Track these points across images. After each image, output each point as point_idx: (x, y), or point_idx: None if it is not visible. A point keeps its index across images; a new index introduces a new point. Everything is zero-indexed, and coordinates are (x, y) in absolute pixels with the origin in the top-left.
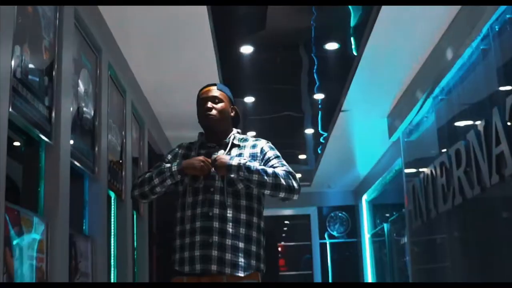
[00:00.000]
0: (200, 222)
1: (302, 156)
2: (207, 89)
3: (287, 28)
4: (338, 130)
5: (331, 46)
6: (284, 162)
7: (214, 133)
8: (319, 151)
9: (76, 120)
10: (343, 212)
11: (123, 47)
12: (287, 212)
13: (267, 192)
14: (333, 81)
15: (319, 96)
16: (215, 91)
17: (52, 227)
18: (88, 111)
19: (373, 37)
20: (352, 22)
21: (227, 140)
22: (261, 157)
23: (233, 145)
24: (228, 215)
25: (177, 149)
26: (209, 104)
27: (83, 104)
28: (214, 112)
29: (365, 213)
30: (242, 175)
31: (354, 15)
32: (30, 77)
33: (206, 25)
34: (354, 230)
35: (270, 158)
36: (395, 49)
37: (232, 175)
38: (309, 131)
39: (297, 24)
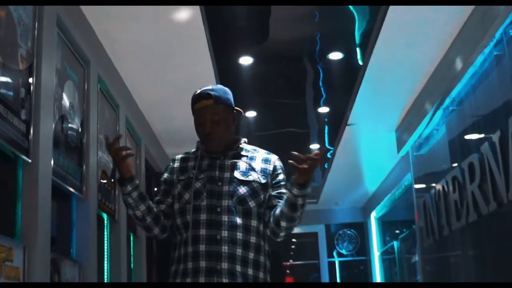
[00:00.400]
0: (205, 245)
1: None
2: (202, 104)
3: (288, 38)
4: (345, 145)
5: (335, 56)
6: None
7: (216, 153)
8: (326, 167)
9: (59, 136)
10: (352, 230)
11: (115, 59)
12: (296, 229)
13: (283, 221)
14: (338, 94)
15: (324, 110)
16: (213, 108)
17: (30, 252)
18: (75, 126)
19: (379, 46)
20: (357, 31)
21: (234, 150)
22: (272, 176)
23: (241, 156)
24: (238, 237)
25: (171, 164)
26: (208, 127)
27: (68, 119)
28: (215, 134)
29: (374, 230)
30: (308, 193)
31: (358, 23)
32: (1, 88)
33: (201, 34)
34: (363, 248)
35: (280, 184)
36: (402, 58)
37: (308, 190)
38: (315, 146)
39: (300, 34)
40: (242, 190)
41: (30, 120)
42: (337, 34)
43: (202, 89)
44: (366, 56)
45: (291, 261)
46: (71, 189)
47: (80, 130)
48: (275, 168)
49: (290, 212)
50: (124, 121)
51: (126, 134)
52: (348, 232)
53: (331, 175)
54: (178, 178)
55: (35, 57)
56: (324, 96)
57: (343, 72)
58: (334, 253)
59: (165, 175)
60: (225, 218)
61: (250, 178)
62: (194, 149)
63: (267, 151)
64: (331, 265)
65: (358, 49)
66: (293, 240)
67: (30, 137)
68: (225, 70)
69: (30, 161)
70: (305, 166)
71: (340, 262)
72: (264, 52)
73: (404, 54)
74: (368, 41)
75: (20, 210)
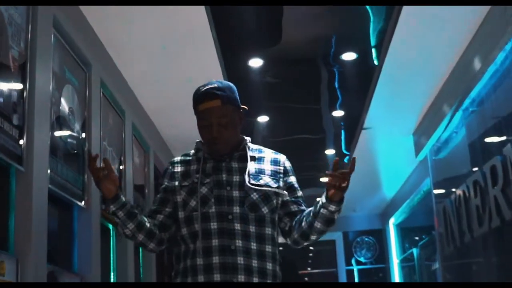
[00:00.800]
0: (218, 257)
1: (324, 179)
2: (208, 105)
3: (300, 38)
4: (361, 150)
5: (349, 56)
6: (303, 196)
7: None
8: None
9: (57, 143)
10: (370, 237)
11: (119, 63)
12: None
13: (314, 235)
14: (353, 96)
15: (339, 113)
16: (220, 110)
17: (23, 265)
18: (75, 132)
19: (394, 46)
20: (371, 30)
21: (240, 151)
22: (284, 178)
23: (247, 157)
24: (252, 247)
25: (170, 168)
26: (215, 131)
27: (67, 125)
28: (222, 138)
29: (393, 237)
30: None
31: (373, 22)
32: None
33: (208, 35)
34: (382, 255)
35: (295, 188)
36: (418, 58)
37: (339, 208)
38: (330, 151)
39: (312, 34)
40: (254, 195)
41: (24, 125)
42: (351, 33)
43: (206, 87)
44: (381, 57)
45: (309, 269)
46: (71, 199)
47: (81, 136)
48: (286, 170)
49: (324, 227)
50: (131, 127)
51: (133, 141)
52: (366, 239)
53: None
54: (181, 184)
55: (29, 59)
56: (340, 98)
57: (358, 74)
58: (353, 261)
59: (166, 182)
60: (237, 226)
61: (262, 182)
62: (193, 150)
63: (273, 151)
64: (350, 273)
65: (372, 49)
66: (310, 248)
67: (23, 144)
68: (234, 72)
69: (23, 169)
70: (345, 184)
71: (358, 270)
72: (275, 54)
73: (420, 54)
74: (383, 41)
75: (13, 222)
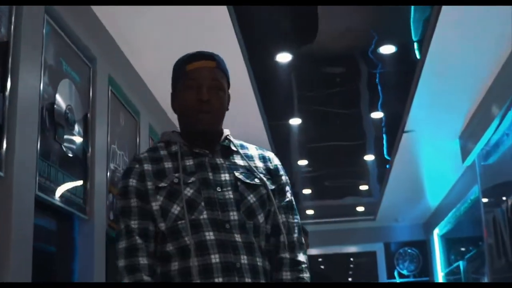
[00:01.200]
0: (222, 278)
1: (363, 187)
2: (201, 64)
3: (333, 30)
4: (402, 155)
5: (388, 49)
6: (294, 204)
7: (204, 136)
8: (383, 180)
9: (51, 145)
10: (413, 248)
11: (132, 58)
12: (352, 249)
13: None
14: (393, 95)
15: (377, 115)
16: (214, 71)
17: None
18: (75, 134)
19: (437, 37)
20: (411, 20)
21: (222, 143)
22: (275, 179)
23: (232, 151)
24: (258, 264)
25: (136, 166)
26: (206, 93)
27: (63, 125)
28: (213, 105)
29: (437, 249)
30: None
31: (413, 11)
32: None
33: (229, 27)
34: (425, 267)
35: (286, 191)
36: (464, 52)
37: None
38: (369, 157)
39: (346, 25)
40: (251, 197)
41: (3, 124)
42: (389, 24)
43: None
44: (423, 50)
45: (350, 279)
46: (69, 208)
47: (83, 139)
48: (277, 169)
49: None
50: (147, 130)
51: (150, 144)
52: (409, 250)
53: (389, 188)
54: (156, 185)
55: (11, 48)
56: (377, 98)
57: (398, 70)
58: (395, 274)
59: (133, 182)
60: (238, 237)
61: (257, 181)
62: (161, 143)
63: (256, 146)
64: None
65: (413, 42)
66: (351, 259)
67: (3, 145)
68: (260, 68)
69: (2, 174)
70: None
71: (401, 283)
72: (305, 47)
73: (467, 47)
74: (425, 32)
75: None
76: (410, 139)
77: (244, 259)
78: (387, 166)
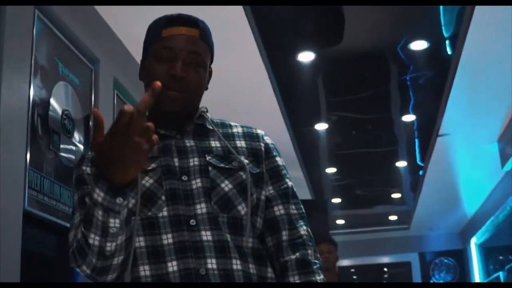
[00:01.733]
0: None
1: (396, 195)
2: (180, 31)
3: (359, 26)
4: (437, 160)
5: (419, 45)
6: (296, 192)
7: (172, 117)
8: (417, 187)
9: (44, 154)
10: (449, 258)
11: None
12: (385, 259)
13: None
14: (426, 96)
15: (409, 118)
16: (194, 42)
17: None
18: (73, 143)
19: (473, 31)
20: (443, 12)
21: (195, 123)
22: (266, 160)
23: (207, 130)
24: (234, 268)
25: (90, 153)
26: (179, 71)
27: (59, 132)
28: (186, 90)
29: (475, 259)
30: None
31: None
32: None
33: (245, 24)
34: (463, 278)
35: (282, 174)
36: (503, 46)
37: None
38: (402, 163)
39: (374, 20)
40: (225, 184)
41: None
42: (420, 17)
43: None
44: (458, 45)
45: None
46: (65, 223)
47: (84, 147)
48: (268, 149)
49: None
50: None
51: None
52: (445, 260)
53: (423, 196)
54: None
55: None
56: (412, 100)
57: (430, 68)
58: None
59: (86, 170)
60: (206, 235)
61: (234, 165)
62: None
63: (241, 125)
64: None
65: (446, 36)
66: (384, 269)
67: None
68: (281, 68)
69: None
70: None
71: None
72: (329, 46)
73: (505, 41)
74: (459, 26)
75: None
76: (445, 143)
77: (212, 263)
78: (421, 172)
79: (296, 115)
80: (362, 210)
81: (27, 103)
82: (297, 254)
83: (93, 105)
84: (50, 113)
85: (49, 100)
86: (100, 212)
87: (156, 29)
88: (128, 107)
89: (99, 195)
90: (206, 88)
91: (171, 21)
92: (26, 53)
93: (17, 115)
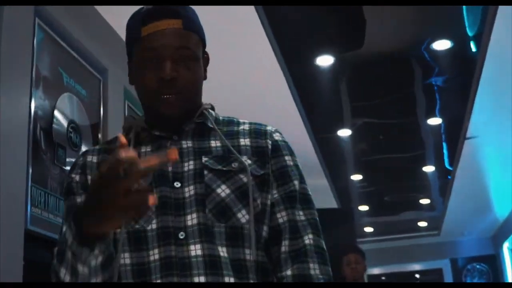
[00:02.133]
0: None
1: (424, 201)
2: (161, 25)
3: (380, 27)
4: (466, 164)
5: (442, 45)
6: (308, 195)
7: (168, 120)
8: (446, 192)
9: (48, 168)
10: (482, 264)
11: None
12: (416, 266)
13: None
14: (451, 98)
15: (435, 121)
16: (179, 35)
17: None
18: None
19: (498, 27)
20: (466, 9)
21: (195, 122)
22: (272, 160)
23: (209, 129)
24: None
25: (81, 159)
26: (169, 68)
27: (65, 147)
28: (181, 91)
29: (508, 264)
30: None
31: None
32: None
33: (259, 27)
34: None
35: (290, 175)
36: None
37: None
38: (429, 168)
39: (394, 20)
40: (222, 189)
41: None
42: (442, 16)
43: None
44: (483, 43)
45: None
46: None
47: None
48: (277, 147)
49: None
50: None
51: None
52: (478, 266)
53: (452, 200)
54: None
55: None
56: (438, 102)
57: (455, 67)
58: None
59: (76, 177)
60: (195, 250)
61: (234, 166)
62: (121, 132)
63: (249, 122)
64: None
65: (469, 38)
66: (416, 276)
67: None
68: (299, 72)
69: None
70: None
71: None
72: (350, 49)
73: None
74: (483, 23)
75: None
76: (473, 146)
77: (201, 280)
78: (449, 177)
79: (318, 122)
80: (391, 217)
81: (28, 115)
82: (295, 268)
83: (102, 117)
84: (55, 126)
85: (53, 113)
86: (70, 253)
87: (134, 28)
88: (126, 154)
89: (69, 236)
90: (205, 78)
91: (149, 16)
92: (26, 64)
93: (17, 129)
